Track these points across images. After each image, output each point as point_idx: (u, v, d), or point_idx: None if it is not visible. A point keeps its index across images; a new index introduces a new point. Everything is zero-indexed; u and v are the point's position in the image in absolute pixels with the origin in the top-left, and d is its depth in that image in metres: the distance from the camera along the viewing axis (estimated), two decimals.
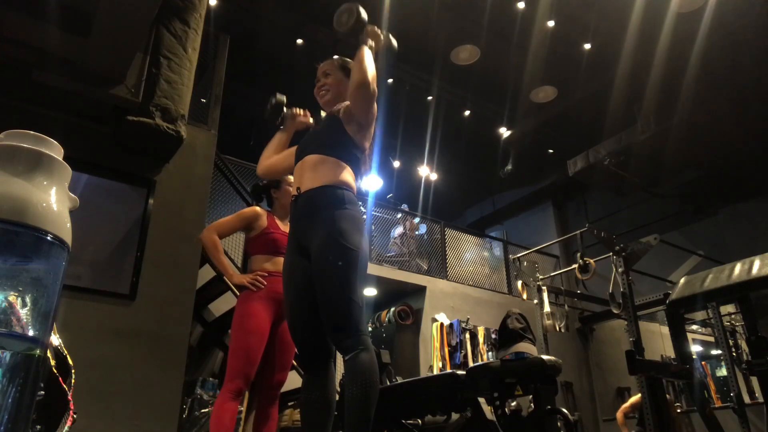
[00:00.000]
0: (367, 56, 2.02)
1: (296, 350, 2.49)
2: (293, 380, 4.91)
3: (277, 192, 2.96)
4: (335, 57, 2.29)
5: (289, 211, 2.12)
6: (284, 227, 2.87)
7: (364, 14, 2.03)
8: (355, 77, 2.01)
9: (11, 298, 0.87)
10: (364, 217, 2.11)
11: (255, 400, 2.87)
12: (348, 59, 2.26)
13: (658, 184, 9.09)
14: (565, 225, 10.50)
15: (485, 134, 9.32)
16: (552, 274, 7.84)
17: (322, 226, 1.91)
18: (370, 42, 2.08)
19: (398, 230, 8.32)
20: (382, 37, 2.12)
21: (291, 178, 2.86)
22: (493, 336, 7.44)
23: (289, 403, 4.94)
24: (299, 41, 7.44)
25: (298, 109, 2.41)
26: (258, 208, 2.93)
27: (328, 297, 1.83)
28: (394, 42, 2.17)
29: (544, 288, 6.91)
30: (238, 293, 2.77)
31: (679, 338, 2.22)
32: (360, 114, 2.05)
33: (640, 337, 4.69)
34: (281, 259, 2.75)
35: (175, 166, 4.29)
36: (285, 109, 2.36)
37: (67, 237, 0.96)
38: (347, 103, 2.13)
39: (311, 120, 2.38)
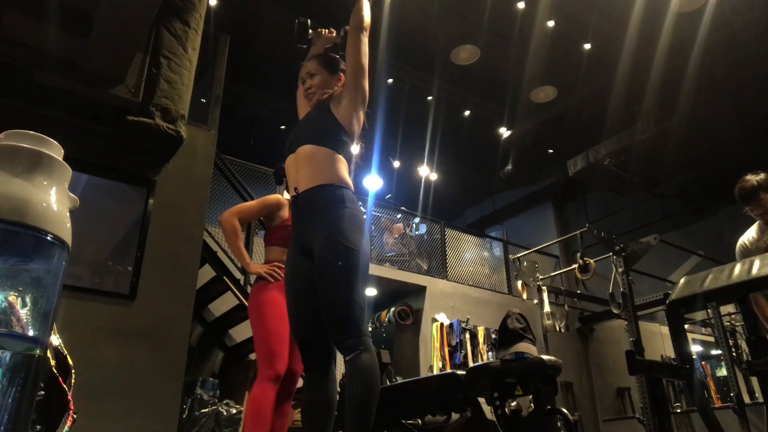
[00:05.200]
0: (366, 4, 2.14)
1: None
2: None
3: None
4: (318, 55, 2.28)
5: (290, 209, 2.11)
6: None
7: None
8: (351, 21, 2.13)
9: (11, 298, 0.87)
10: (364, 216, 2.09)
11: None
12: (332, 55, 2.28)
13: (658, 184, 9.09)
14: (565, 225, 10.49)
15: (485, 134, 9.31)
16: (552, 274, 7.84)
17: (323, 227, 1.91)
18: None
19: (390, 238, 8.26)
20: None
21: None
22: (493, 336, 7.44)
23: None
24: None
25: (322, 29, 2.40)
26: (282, 198, 2.87)
27: (330, 297, 1.84)
28: None
29: (544, 288, 6.91)
30: (252, 283, 2.73)
31: (679, 338, 2.22)
32: (354, 64, 2.09)
33: (640, 337, 4.69)
34: None
35: (175, 166, 4.29)
36: (310, 30, 2.35)
37: (67, 237, 0.96)
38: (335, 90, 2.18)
39: (334, 34, 2.39)
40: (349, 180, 2.04)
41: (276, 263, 2.70)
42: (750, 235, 3.13)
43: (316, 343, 1.93)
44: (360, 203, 2.08)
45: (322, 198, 1.96)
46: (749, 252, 3.04)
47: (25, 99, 3.78)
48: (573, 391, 7.97)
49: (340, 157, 2.04)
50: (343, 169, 2.04)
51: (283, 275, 2.60)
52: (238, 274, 4.97)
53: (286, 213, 2.78)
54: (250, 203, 2.86)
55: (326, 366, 1.94)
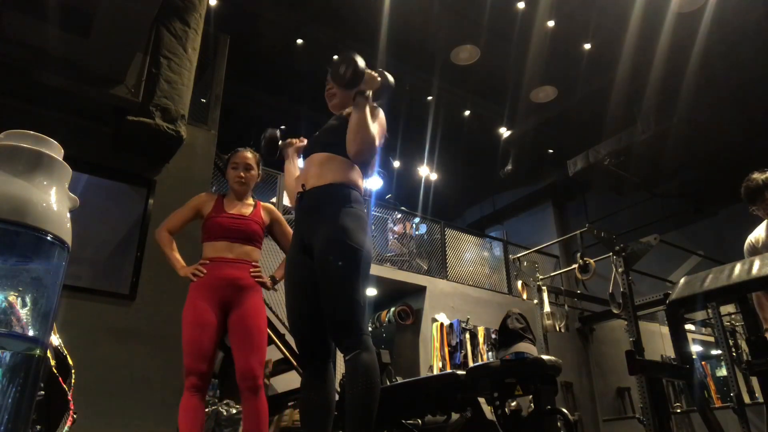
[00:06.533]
0: (369, 119, 1.94)
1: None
2: (293, 380, 4.92)
3: (226, 174, 2.87)
4: None
5: (295, 207, 2.11)
6: (232, 209, 2.76)
7: (362, 63, 1.93)
8: (357, 143, 1.93)
9: (11, 298, 0.87)
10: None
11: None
12: None
13: (658, 184, 9.08)
14: (565, 225, 10.49)
15: (485, 134, 9.32)
16: (552, 274, 7.84)
17: (326, 224, 1.90)
18: (368, 92, 1.97)
19: (396, 227, 8.32)
20: (378, 79, 2.04)
21: (241, 156, 2.81)
22: (493, 336, 7.44)
23: (289, 403, 4.94)
24: (299, 41, 7.44)
25: (292, 139, 2.37)
26: (205, 194, 2.89)
27: (331, 296, 1.83)
28: (391, 79, 2.08)
29: (544, 288, 6.91)
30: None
31: (679, 338, 2.22)
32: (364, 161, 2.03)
33: (640, 337, 4.69)
34: (223, 243, 2.66)
35: (175, 166, 4.29)
36: (280, 142, 2.32)
37: (67, 237, 0.96)
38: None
39: (306, 142, 2.34)
40: (360, 183, 2.04)
41: (201, 261, 2.67)
42: (758, 233, 3.13)
43: (314, 341, 1.93)
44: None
45: (328, 195, 1.96)
46: (757, 251, 3.03)
47: (25, 99, 3.78)
48: (573, 391, 7.97)
49: (355, 165, 2.03)
50: (355, 175, 2.03)
51: (205, 272, 2.60)
52: None
53: (209, 207, 2.76)
54: (178, 210, 2.83)
55: (324, 365, 1.94)
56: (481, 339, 7.48)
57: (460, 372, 2.49)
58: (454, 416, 2.64)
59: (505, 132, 9.23)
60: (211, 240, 2.69)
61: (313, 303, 1.90)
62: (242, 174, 2.78)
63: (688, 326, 8.09)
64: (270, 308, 4.90)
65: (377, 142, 1.97)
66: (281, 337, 4.63)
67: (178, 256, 2.73)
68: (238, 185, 2.79)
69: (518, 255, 7.80)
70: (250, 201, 2.84)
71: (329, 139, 2.08)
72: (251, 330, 2.59)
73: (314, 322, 1.90)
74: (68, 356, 1.32)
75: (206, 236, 2.72)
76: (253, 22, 7.16)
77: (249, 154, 2.84)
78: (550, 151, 9.81)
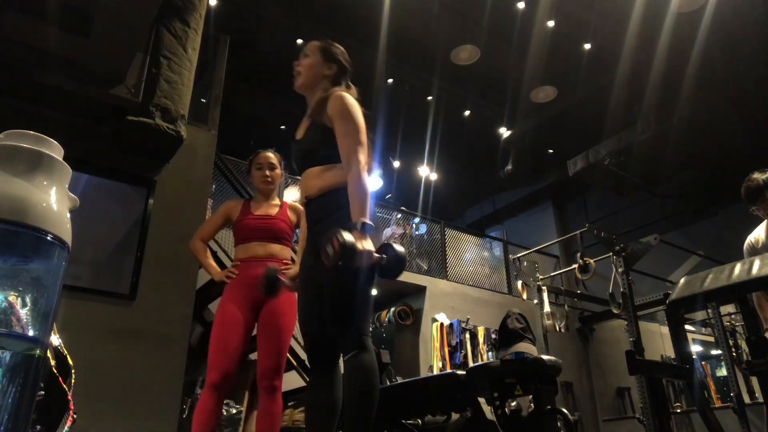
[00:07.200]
0: (358, 177, 1.84)
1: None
2: (293, 380, 4.92)
3: (251, 176, 2.97)
4: (320, 40, 2.19)
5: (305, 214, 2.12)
6: (258, 210, 2.82)
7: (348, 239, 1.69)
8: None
9: (11, 298, 0.87)
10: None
11: (255, 399, 2.82)
12: (332, 43, 2.18)
13: (658, 184, 9.09)
14: (565, 225, 10.50)
15: (485, 134, 9.32)
16: (552, 274, 7.84)
17: (335, 226, 1.91)
18: (362, 224, 1.76)
19: (394, 230, 8.32)
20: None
21: (263, 156, 2.88)
22: (493, 336, 7.44)
23: (289, 403, 4.94)
24: (299, 41, 7.44)
25: (287, 281, 2.24)
26: (233, 200, 3.01)
27: (334, 295, 1.85)
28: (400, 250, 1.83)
29: (544, 288, 6.91)
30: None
31: (679, 338, 2.22)
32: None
33: (640, 337, 4.69)
34: (253, 245, 2.73)
35: (175, 166, 4.29)
36: (279, 278, 2.27)
37: (67, 237, 0.96)
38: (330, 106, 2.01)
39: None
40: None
41: (233, 264, 2.77)
42: (758, 233, 3.12)
43: (322, 344, 1.94)
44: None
45: (334, 202, 1.95)
46: (756, 251, 3.03)
47: (25, 99, 3.77)
48: (573, 391, 7.97)
49: None
50: None
51: (237, 273, 2.67)
52: None
53: (237, 211, 2.84)
54: (208, 219, 2.96)
55: (332, 367, 1.94)
56: (481, 339, 7.48)
57: (460, 372, 2.50)
58: (454, 416, 2.65)
59: (505, 132, 9.23)
60: (241, 242, 2.78)
61: (321, 305, 1.91)
62: (267, 173, 2.85)
63: (688, 326, 8.09)
64: None
65: (368, 167, 1.90)
66: None
67: (212, 262, 2.85)
68: (264, 185, 2.85)
69: (518, 255, 7.80)
70: (276, 201, 2.91)
71: (314, 155, 2.03)
72: (278, 329, 2.62)
73: (321, 325, 1.91)
74: (68, 356, 1.32)
75: (237, 239, 2.81)
76: (253, 22, 7.16)
77: (271, 154, 2.92)
78: (550, 151, 9.81)
